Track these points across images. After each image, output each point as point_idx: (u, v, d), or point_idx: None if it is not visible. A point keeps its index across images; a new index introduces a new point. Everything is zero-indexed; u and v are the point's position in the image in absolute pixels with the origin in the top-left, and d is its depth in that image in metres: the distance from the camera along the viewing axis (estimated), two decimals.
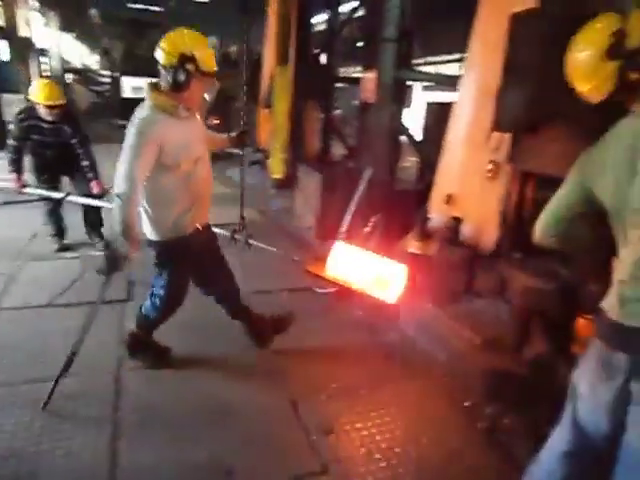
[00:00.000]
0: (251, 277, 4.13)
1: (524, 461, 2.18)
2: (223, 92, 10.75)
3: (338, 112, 10.96)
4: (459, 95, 3.75)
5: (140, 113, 2.22)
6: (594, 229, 1.52)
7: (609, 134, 1.40)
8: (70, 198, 4.52)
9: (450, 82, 4.59)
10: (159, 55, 2.20)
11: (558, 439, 1.57)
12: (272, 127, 7.21)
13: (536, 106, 2.84)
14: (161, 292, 2.56)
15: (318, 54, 7.25)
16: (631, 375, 1.33)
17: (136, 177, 2.13)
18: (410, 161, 9.21)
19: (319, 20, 9.07)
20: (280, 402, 2.53)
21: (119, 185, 2.14)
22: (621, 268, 1.38)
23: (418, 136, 5.78)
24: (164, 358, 2.80)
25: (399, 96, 4.90)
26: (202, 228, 2.53)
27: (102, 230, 4.74)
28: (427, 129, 7.52)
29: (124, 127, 2.25)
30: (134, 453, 2.14)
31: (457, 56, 15.44)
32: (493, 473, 2.15)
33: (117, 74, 17.54)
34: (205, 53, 2.23)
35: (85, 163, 4.39)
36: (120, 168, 2.15)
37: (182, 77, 2.16)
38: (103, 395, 2.48)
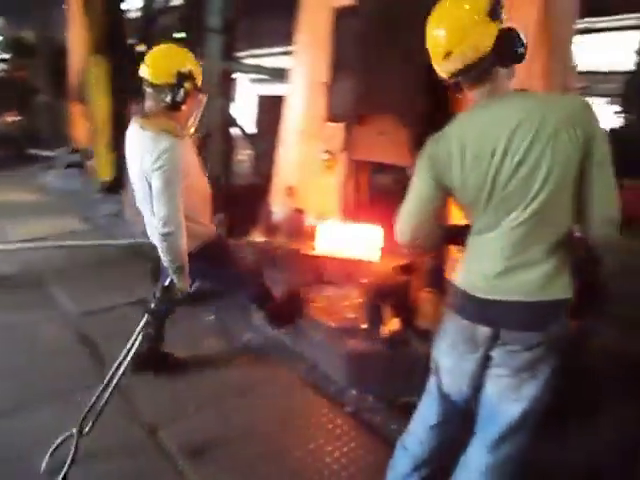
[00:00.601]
0: (91, 293, 3.68)
1: (390, 434, 2.33)
2: (20, 84, 9.27)
3: None
4: (290, 87, 3.79)
5: (157, 144, 2.04)
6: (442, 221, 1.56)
7: (456, 128, 1.41)
8: None
9: (277, 74, 4.62)
10: (149, 74, 2.06)
11: (427, 412, 1.67)
12: (92, 125, 6.45)
13: (364, 99, 2.99)
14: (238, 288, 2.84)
15: (137, 44, 6.66)
16: (492, 344, 1.45)
17: (179, 209, 2.09)
18: (244, 154, 9.13)
19: (134, 6, 8.34)
20: (137, 432, 2.26)
21: (168, 225, 2.07)
22: (483, 249, 1.45)
23: (251, 129, 5.72)
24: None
25: (227, 88, 4.78)
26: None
27: None
28: (259, 122, 7.55)
29: None
30: None
31: (281, 49, 15.80)
32: (365, 452, 2.21)
33: None
34: (198, 68, 2.16)
35: None
36: (163, 209, 2.06)
37: (181, 95, 2.07)
38: None
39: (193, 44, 4.49)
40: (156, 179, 2.04)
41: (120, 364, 2.15)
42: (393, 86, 2.79)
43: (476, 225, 1.47)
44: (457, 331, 1.52)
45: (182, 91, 2.06)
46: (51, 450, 2.02)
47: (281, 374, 2.80)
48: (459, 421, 1.63)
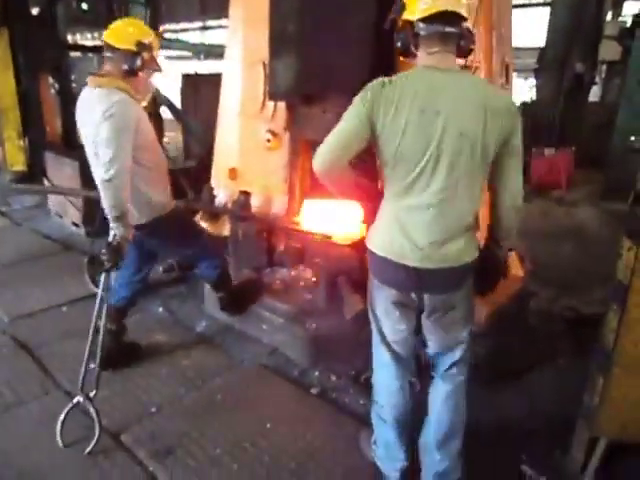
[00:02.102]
0: (21, 295, 3.38)
1: (360, 409, 2.38)
2: None
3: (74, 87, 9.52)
4: (226, 66, 3.61)
5: (109, 97, 2.13)
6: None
7: (405, 79, 1.49)
8: None
9: (207, 52, 4.38)
10: (112, 39, 2.21)
11: (388, 379, 1.78)
12: None
13: (307, 77, 2.91)
14: (204, 256, 2.74)
15: (42, 16, 6.02)
16: (420, 307, 1.65)
17: (126, 159, 2.12)
18: (168, 137, 8.71)
19: None
20: (100, 439, 2.09)
21: (110, 170, 2.07)
22: (412, 218, 1.54)
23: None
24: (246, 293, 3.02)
25: None
26: None
27: None
28: (186, 102, 7.18)
29: None
30: None
31: (198, 24, 15.13)
32: (338, 431, 2.22)
33: None
34: (157, 43, 2.34)
35: None
36: (108, 154, 2.07)
37: (139, 63, 2.22)
38: None
39: (109, 16, 4.12)
40: (105, 128, 2.09)
41: (98, 314, 2.18)
42: (338, 63, 2.74)
43: (401, 188, 1.53)
44: (387, 299, 1.66)
45: (140, 59, 2.22)
46: (60, 423, 2.06)
47: (239, 361, 2.75)
48: (416, 373, 1.82)
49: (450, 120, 1.43)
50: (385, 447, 1.85)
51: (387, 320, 1.71)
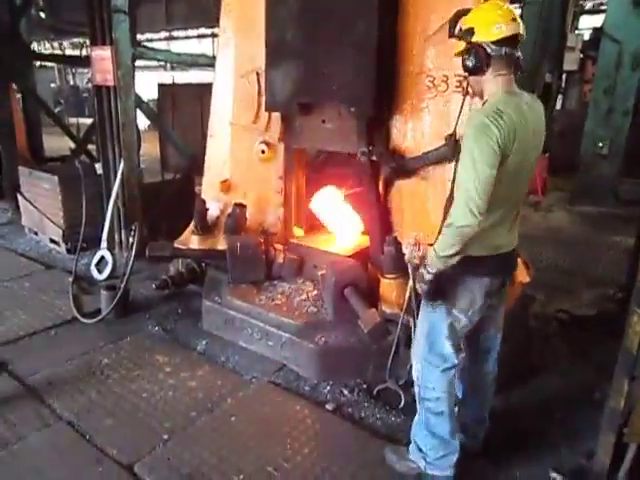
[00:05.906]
0: (3, 318, 3.16)
1: (377, 423, 2.33)
2: None
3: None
4: (217, 76, 3.53)
5: None
6: None
7: (505, 107, 1.63)
8: None
9: (192, 62, 4.29)
10: None
11: (446, 369, 1.86)
12: None
13: (305, 85, 2.88)
14: None
15: (7, 27, 5.72)
16: (499, 291, 1.90)
17: None
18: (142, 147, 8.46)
19: None
20: (112, 472, 1.98)
21: None
22: (501, 217, 1.75)
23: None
24: None
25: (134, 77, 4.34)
26: None
27: None
28: (163, 111, 7.03)
29: None
30: None
31: (163, 34, 14.88)
32: (359, 448, 2.17)
33: None
34: None
35: None
36: None
37: None
38: None
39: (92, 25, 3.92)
40: None
41: None
42: (338, 73, 2.72)
43: (500, 200, 1.68)
44: (475, 291, 1.81)
45: None
46: None
47: (248, 380, 2.65)
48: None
49: (531, 144, 1.71)
50: (439, 446, 1.89)
51: (467, 313, 1.83)
